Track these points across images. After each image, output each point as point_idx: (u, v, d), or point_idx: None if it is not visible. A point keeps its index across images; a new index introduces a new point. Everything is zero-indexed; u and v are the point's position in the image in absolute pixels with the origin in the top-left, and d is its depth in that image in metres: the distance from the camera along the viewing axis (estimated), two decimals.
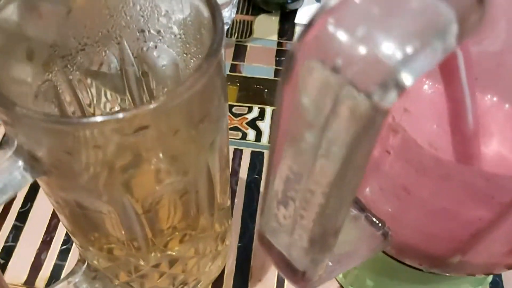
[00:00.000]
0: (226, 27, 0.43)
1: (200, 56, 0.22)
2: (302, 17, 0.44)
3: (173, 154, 0.19)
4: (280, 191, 0.15)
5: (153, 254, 0.24)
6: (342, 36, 0.12)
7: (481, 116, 0.23)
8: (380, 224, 0.22)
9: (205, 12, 0.20)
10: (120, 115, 0.16)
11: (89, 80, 0.25)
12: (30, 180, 0.18)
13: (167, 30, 0.23)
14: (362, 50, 0.12)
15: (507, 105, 0.26)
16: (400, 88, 0.12)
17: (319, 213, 0.14)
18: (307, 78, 0.13)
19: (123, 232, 0.22)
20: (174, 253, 0.25)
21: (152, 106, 0.16)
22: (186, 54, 0.23)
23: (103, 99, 0.27)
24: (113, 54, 0.24)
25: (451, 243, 0.21)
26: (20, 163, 0.18)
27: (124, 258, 0.24)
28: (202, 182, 0.22)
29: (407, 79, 0.12)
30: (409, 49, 0.11)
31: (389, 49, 0.11)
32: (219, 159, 0.23)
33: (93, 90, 0.26)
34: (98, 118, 0.16)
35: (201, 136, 0.20)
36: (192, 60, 0.23)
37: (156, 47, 0.24)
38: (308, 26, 0.12)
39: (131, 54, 0.24)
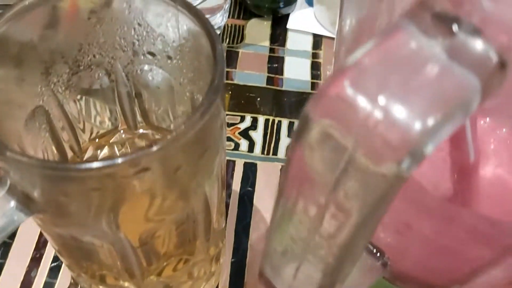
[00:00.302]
0: (217, 32, 0.42)
1: (197, 82, 0.22)
2: (294, 22, 0.44)
3: (172, 191, 0.19)
4: (283, 244, 0.15)
5: (147, 279, 0.24)
6: (362, 102, 0.11)
7: (478, 138, 0.23)
8: (379, 254, 0.22)
9: (205, 42, 0.19)
10: (119, 160, 0.15)
11: (78, 96, 0.24)
12: (23, 219, 0.18)
13: (163, 54, 0.22)
14: (383, 118, 0.11)
15: (504, 129, 0.26)
16: (422, 157, 0.11)
17: (327, 269, 0.14)
18: (322, 139, 0.12)
19: (118, 263, 0.22)
20: (168, 279, 0.24)
21: (152, 149, 0.16)
22: (182, 78, 0.23)
23: (93, 111, 0.26)
24: (106, 75, 0.23)
25: (451, 275, 0.21)
26: (13, 203, 0.17)
27: (118, 285, 0.24)
28: (200, 211, 0.22)
29: (429, 149, 0.11)
30: (432, 121, 0.11)
31: (412, 119, 0.11)
32: (217, 184, 0.22)
33: (82, 103, 0.25)
34: (96, 164, 0.15)
35: (202, 169, 0.19)
36: (188, 86, 0.22)
37: (151, 69, 0.23)
38: (325, 86, 0.12)
39: (124, 76, 0.24)
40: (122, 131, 0.27)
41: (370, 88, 0.12)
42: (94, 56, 0.22)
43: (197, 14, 0.19)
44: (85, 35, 0.21)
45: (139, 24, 0.21)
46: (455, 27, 0.11)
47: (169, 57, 0.22)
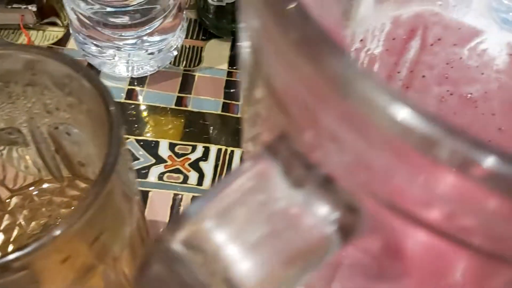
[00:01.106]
0: (175, 53, 0.41)
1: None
2: None
3: (65, 278, 0.18)
4: None
5: None
6: (217, 245, 0.10)
7: None
8: None
9: (106, 120, 0.18)
10: None
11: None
12: None
13: (75, 115, 0.21)
14: (234, 266, 0.10)
15: None
16: None
17: None
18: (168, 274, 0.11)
19: None
20: None
21: (30, 249, 0.15)
22: (96, 141, 0.22)
23: (15, 163, 0.25)
24: (22, 135, 0.22)
25: None
26: None
27: None
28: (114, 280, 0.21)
29: None
30: (284, 276, 0.10)
31: (262, 274, 0.10)
32: (133, 249, 0.21)
33: (4, 156, 0.24)
34: None
35: (100, 252, 0.18)
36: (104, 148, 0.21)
37: (66, 127, 0.22)
38: (184, 213, 0.11)
39: (40, 134, 0.23)
40: (47, 182, 0.26)
41: (229, 230, 0.11)
42: (6, 118, 0.21)
43: (99, 87, 0.18)
44: None
45: (47, 87, 0.20)
46: (306, 175, 0.10)
47: (81, 118, 0.21)
